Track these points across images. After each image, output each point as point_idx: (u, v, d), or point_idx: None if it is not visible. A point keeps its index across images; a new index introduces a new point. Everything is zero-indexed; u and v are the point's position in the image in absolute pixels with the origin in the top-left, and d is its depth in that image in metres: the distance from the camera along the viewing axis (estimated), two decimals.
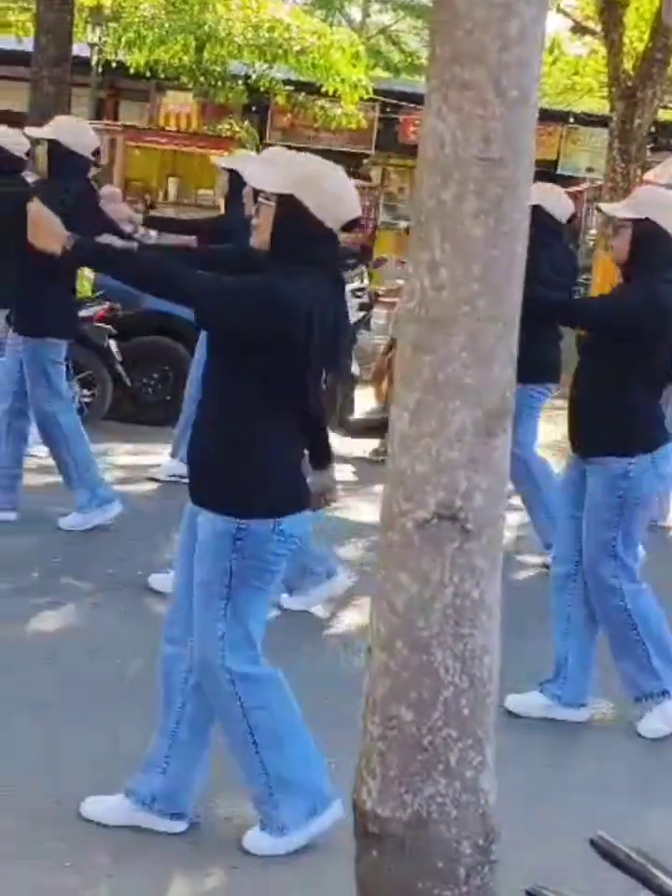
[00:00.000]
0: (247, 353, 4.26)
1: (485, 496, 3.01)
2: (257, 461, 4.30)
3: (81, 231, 4.76)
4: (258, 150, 26.60)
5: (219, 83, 26.60)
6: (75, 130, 7.89)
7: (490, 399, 2.99)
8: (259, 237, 4.50)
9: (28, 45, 19.44)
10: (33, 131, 8.19)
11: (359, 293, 10.88)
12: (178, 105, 27.77)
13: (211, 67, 26.34)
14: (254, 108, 28.24)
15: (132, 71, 25.99)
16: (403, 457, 3.02)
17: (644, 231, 5.59)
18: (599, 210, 7.32)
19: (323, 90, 25.53)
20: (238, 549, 4.25)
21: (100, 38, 25.74)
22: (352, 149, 27.92)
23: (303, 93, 26.87)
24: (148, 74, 26.02)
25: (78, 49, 20.08)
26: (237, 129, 26.24)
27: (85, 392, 10.88)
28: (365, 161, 28.64)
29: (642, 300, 5.58)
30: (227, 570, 4.26)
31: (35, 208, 4.56)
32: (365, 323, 11.50)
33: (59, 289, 7.73)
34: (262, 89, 26.35)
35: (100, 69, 26.77)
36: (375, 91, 26.34)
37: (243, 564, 4.26)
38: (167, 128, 27.16)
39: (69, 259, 4.61)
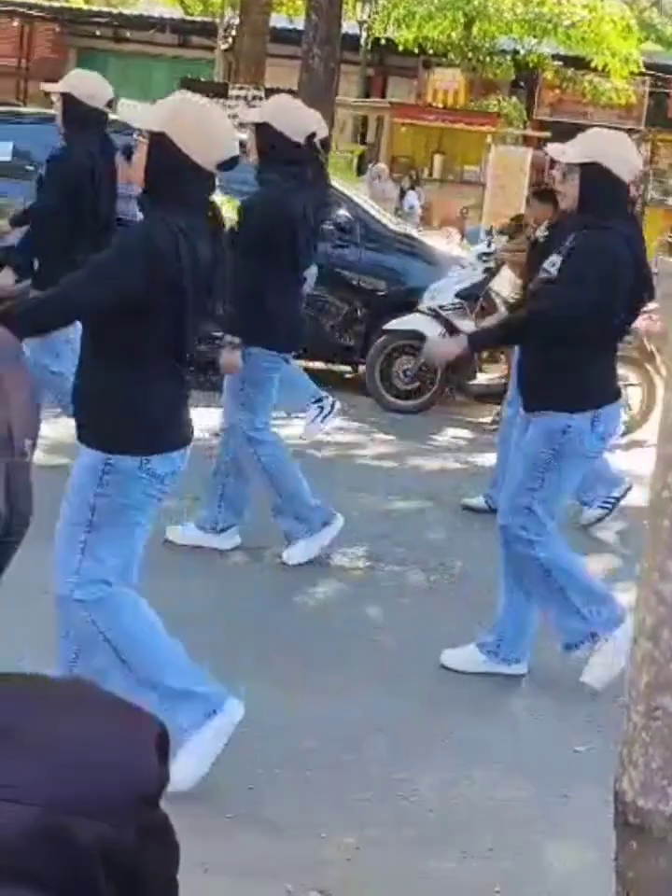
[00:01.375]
0: (128, 303, 4.21)
1: None
2: (127, 399, 4.29)
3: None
4: (524, 126, 26.50)
5: (487, 59, 26.52)
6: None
7: None
8: (135, 175, 4.45)
9: (299, 24, 19.73)
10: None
11: (485, 258, 10.64)
12: (446, 81, 27.73)
13: (479, 43, 26.28)
14: (522, 84, 28.04)
15: (400, 48, 26.12)
16: (669, 444, 2.94)
17: (592, 175, 5.16)
18: (545, 152, 6.76)
19: (592, 64, 25.17)
20: (103, 484, 4.26)
21: (369, 16, 25.93)
22: (621, 125, 27.41)
23: (572, 68, 26.55)
24: (416, 50, 26.11)
25: (348, 26, 20.28)
26: (504, 105, 26.08)
27: None
28: (635, 136, 28.12)
29: (601, 268, 5.14)
30: (91, 505, 4.28)
31: None
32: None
33: None
34: (531, 64, 26.15)
35: (368, 46, 26.98)
36: (645, 66, 25.84)
37: (106, 500, 4.28)
38: (434, 104, 27.17)
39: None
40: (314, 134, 6.73)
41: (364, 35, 26.24)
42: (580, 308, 5.10)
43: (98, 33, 31.16)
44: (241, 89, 17.61)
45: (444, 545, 7.33)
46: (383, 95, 29.01)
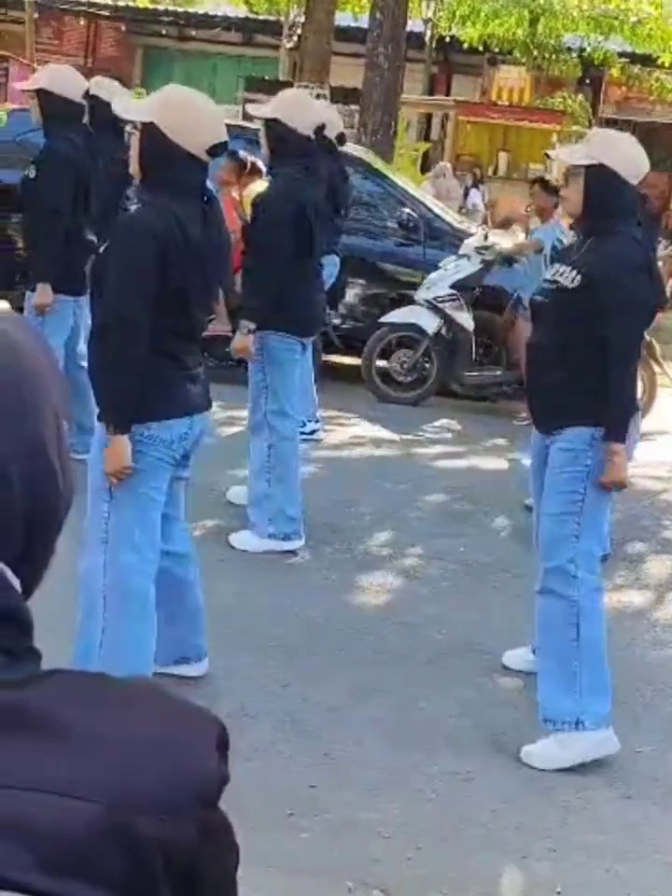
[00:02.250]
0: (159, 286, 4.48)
1: None
2: None
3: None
4: (590, 124, 26.33)
5: (553, 56, 26.39)
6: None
7: None
8: (132, 166, 4.65)
9: (363, 22, 19.71)
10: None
11: (483, 251, 10.58)
12: (511, 79, 27.65)
13: (545, 40, 26.15)
14: (587, 81, 27.86)
15: (465, 46, 26.04)
16: None
17: (597, 177, 4.88)
18: (547, 156, 6.47)
19: (659, 61, 24.98)
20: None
21: (434, 13, 25.85)
22: None
23: (638, 66, 26.35)
24: (482, 48, 26.01)
25: (412, 24, 20.23)
26: (570, 102, 25.93)
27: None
28: None
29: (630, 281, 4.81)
30: (103, 474, 4.52)
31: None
32: None
33: None
34: (596, 61, 25.97)
35: (433, 44, 26.92)
36: None
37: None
38: (499, 102, 27.07)
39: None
40: (323, 127, 6.90)
41: (429, 32, 26.17)
42: (636, 350, 4.99)
43: (163, 32, 31.30)
44: (306, 87, 17.61)
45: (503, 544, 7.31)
46: (447, 93, 28.94)
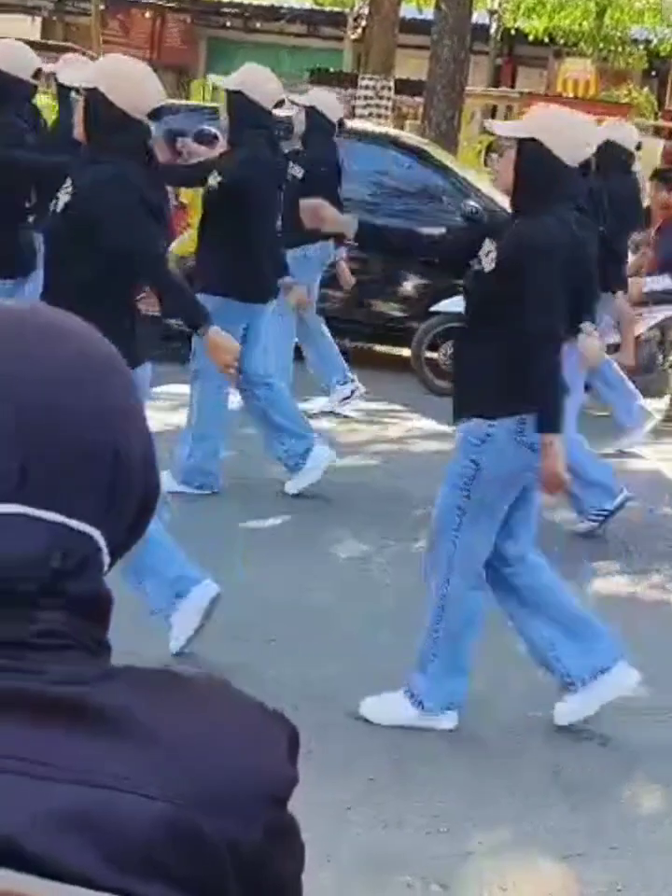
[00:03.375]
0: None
1: None
2: None
3: None
4: (655, 117, 26.16)
5: (619, 48, 26.22)
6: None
7: None
8: (77, 130, 4.95)
9: (428, 14, 19.67)
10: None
11: None
12: (576, 71, 27.49)
13: (610, 32, 26.00)
14: (653, 73, 27.69)
15: (530, 38, 25.94)
16: None
17: (529, 153, 4.61)
18: (484, 128, 6.48)
19: None
20: None
21: (499, 5, 25.77)
22: None
23: None
24: (547, 40, 25.90)
25: (477, 16, 20.18)
26: (635, 95, 25.77)
27: None
28: None
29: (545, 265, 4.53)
30: None
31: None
32: None
33: None
34: (663, 54, 25.79)
35: (498, 36, 26.83)
36: None
37: None
38: (564, 94, 26.92)
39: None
40: (282, 102, 7.34)
41: (494, 24, 26.11)
42: (557, 338, 4.61)
43: (228, 23, 31.37)
44: (370, 79, 17.60)
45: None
46: (512, 85, 28.83)
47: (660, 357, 10.68)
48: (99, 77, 4.84)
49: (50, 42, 24.31)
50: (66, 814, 1.05)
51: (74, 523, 1.12)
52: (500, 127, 5.11)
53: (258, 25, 31.19)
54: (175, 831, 1.06)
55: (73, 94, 5.00)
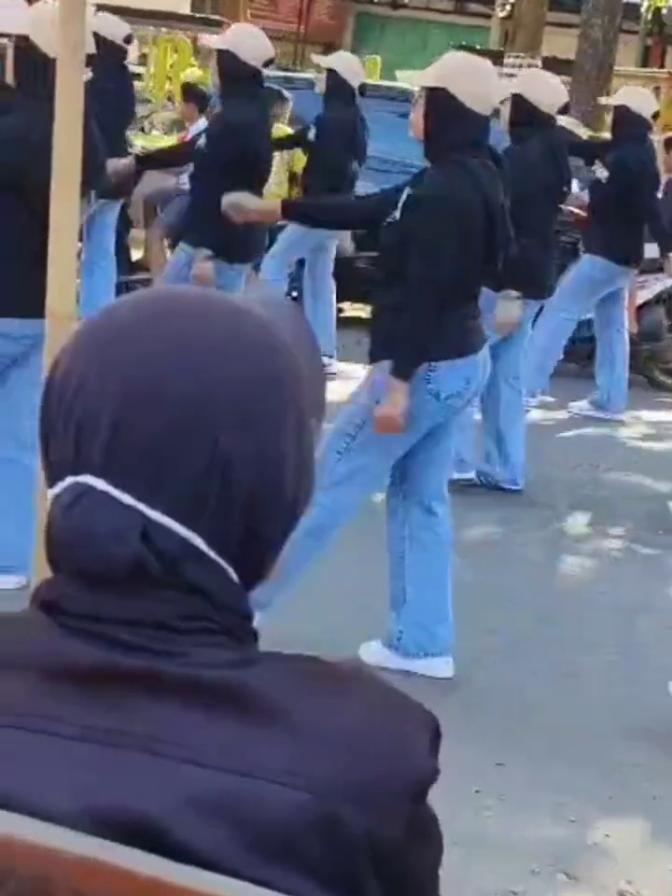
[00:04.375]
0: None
1: None
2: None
3: None
4: None
5: None
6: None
7: None
8: (8, 76, 5.19)
9: None
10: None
11: None
12: None
13: None
14: None
15: None
16: None
17: (437, 102, 4.66)
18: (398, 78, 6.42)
19: None
20: None
21: None
22: None
23: None
24: None
25: None
26: None
27: None
28: None
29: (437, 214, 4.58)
30: None
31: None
32: None
33: None
34: None
35: (649, 15, 26.39)
36: None
37: None
38: None
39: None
40: (271, 61, 7.35)
41: (645, 3, 25.67)
42: (435, 285, 4.60)
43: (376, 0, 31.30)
44: (517, 57, 17.44)
45: None
46: (662, 65, 28.33)
47: (667, 324, 10.36)
48: (30, 24, 5.01)
49: (197, 15, 24.44)
50: (210, 800, 1.05)
51: (152, 513, 1.11)
52: (411, 76, 5.20)
53: (405, 1, 31.06)
54: (318, 822, 1.06)
55: (5, 40, 5.26)
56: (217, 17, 24.23)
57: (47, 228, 4.83)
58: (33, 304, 4.88)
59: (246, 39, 7.15)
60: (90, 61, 6.96)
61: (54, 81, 4.76)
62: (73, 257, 2.81)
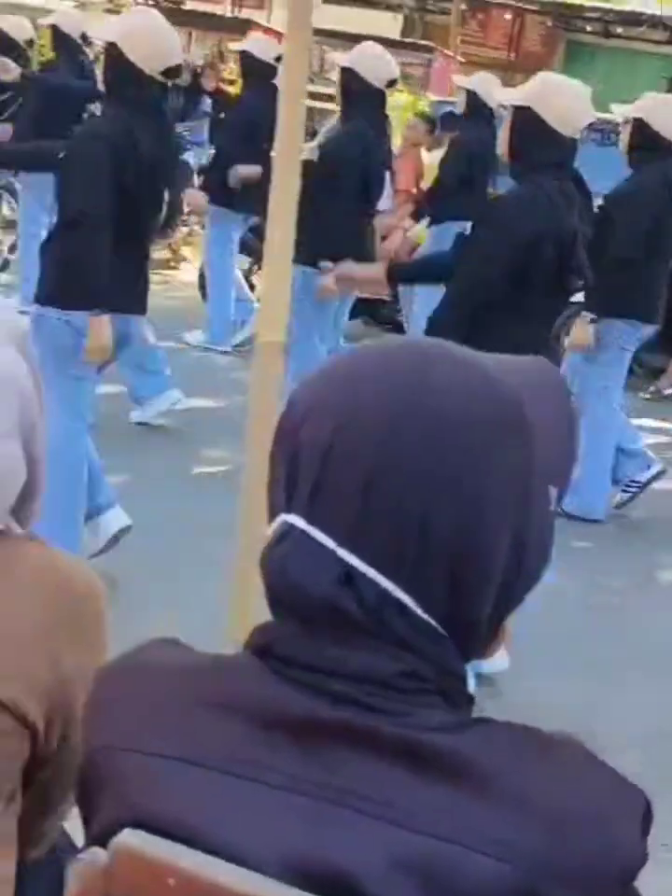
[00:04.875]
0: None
1: None
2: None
3: None
4: None
5: None
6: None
7: None
8: (99, 82, 5.34)
9: None
10: None
11: None
12: None
13: None
14: None
15: None
16: None
17: (523, 120, 4.72)
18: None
19: None
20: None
21: None
22: None
23: None
24: None
25: None
26: None
27: None
28: None
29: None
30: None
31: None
32: None
33: None
34: None
35: None
36: None
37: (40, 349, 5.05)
38: None
39: None
40: (394, 81, 7.51)
41: None
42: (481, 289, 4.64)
43: (588, 28, 31.02)
44: None
45: None
46: None
47: None
48: (120, 33, 5.15)
49: (407, 40, 24.56)
50: (410, 862, 1.04)
51: (352, 559, 1.10)
52: (502, 93, 5.39)
53: (618, 31, 30.75)
54: (517, 895, 1.04)
55: (100, 48, 5.53)
56: (425, 42, 24.38)
57: (121, 227, 5.10)
58: (102, 297, 5.05)
59: (369, 59, 7.25)
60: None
61: (142, 89, 5.08)
62: (286, 288, 2.81)
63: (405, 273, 5.75)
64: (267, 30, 17.94)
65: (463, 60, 21.87)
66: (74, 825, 1.44)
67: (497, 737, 1.10)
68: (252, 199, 8.26)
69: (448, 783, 1.06)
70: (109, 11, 20.52)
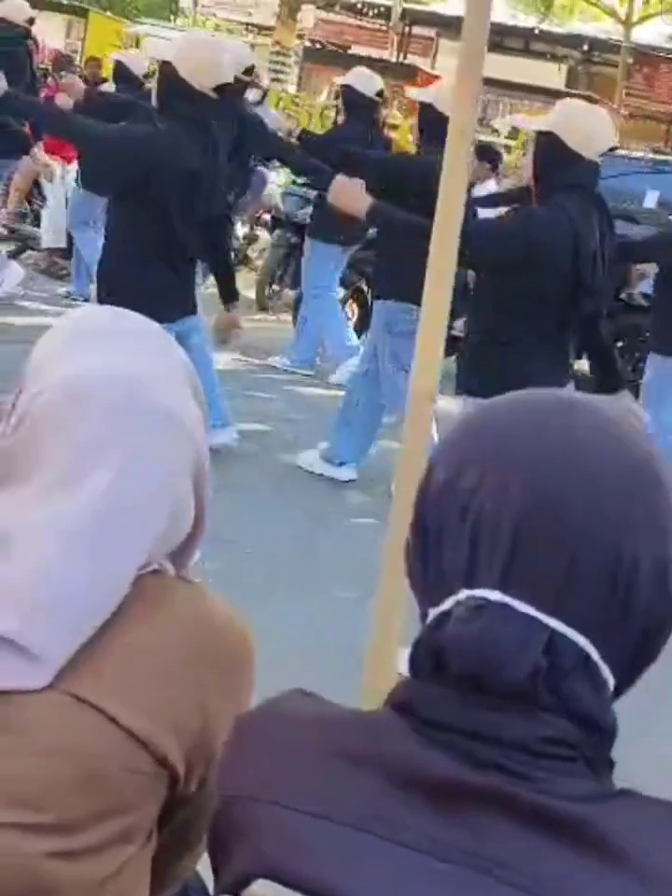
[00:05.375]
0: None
1: None
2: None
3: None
4: None
5: None
6: None
7: None
8: (154, 99, 5.66)
9: None
10: None
11: None
12: None
13: None
14: None
15: None
16: None
17: (546, 146, 4.74)
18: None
19: None
20: None
21: None
22: None
23: None
24: None
25: None
26: None
27: None
28: None
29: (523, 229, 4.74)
30: None
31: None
32: None
33: None
34: None
35: None
36: None
37: None
38: None
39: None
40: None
41: None
42: (491, 251, 4.72)
43: None
44: None
45: None
46: None
47: None
48: (175, 53, 5.47)
49: (572, 91, 24.54)
50: None
51: (553, 622, 1.07)
52: (523, 120, 5.60)
53: None
54: None
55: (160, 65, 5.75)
56: (589, 93, 24.35)
57: (173, 236, 5.43)
58: (148, 306, 5.03)
59: (447, 94, 7.30)
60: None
61: (193, 104, 5.37)
62: (441, 337, 2.79)
63: (388, 212, 5.49)
64: (431, 76, 18.05)
65: (626, 113, 21.78)
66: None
67: (638, 811, 1.07)
68: (352, 233, 8.57)
69: (586, 855, 1.03)
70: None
